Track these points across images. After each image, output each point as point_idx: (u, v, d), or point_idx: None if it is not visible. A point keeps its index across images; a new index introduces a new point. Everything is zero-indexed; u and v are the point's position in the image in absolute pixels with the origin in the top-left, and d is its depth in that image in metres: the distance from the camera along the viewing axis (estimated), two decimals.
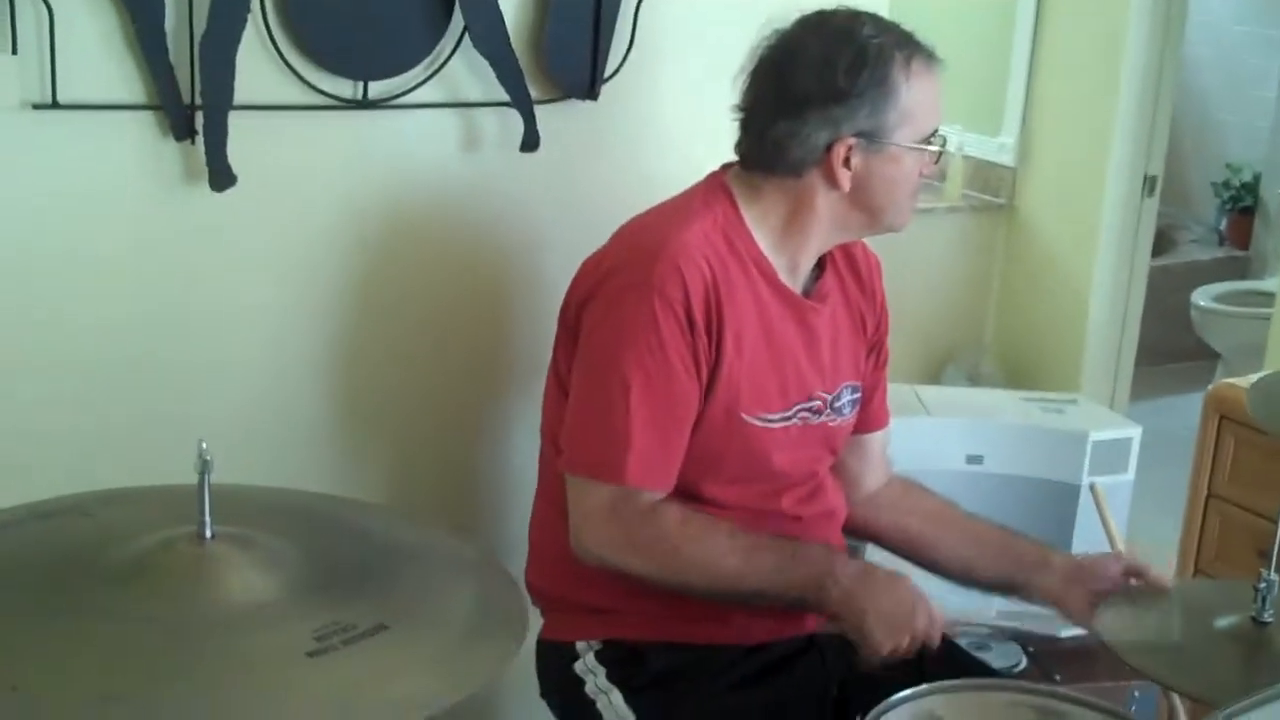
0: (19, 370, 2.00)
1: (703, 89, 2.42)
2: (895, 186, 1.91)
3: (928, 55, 1.89)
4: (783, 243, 1.95)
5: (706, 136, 2.41)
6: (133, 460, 1.82)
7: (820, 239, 1.96)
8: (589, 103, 2.31)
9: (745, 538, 1.89)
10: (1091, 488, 2.17)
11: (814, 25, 1.89)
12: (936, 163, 1.95)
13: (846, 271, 2.06)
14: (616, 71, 2.32)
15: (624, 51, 2.31)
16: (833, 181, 1.89)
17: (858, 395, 2.08)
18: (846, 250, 2.06)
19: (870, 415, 2.15)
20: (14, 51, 1.88)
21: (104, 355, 2.05)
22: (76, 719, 1.11)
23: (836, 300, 2.03)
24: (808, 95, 1.85)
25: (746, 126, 1.93)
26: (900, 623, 1.82)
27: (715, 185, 1.97)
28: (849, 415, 2.07)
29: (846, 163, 1.87)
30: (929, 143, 1.91)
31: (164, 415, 2.06)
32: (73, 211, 2.00)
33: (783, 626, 2.00)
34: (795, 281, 1.98)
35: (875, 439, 2.19)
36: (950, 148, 1.93)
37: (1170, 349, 5.62)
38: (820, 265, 2.02)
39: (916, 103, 1.87)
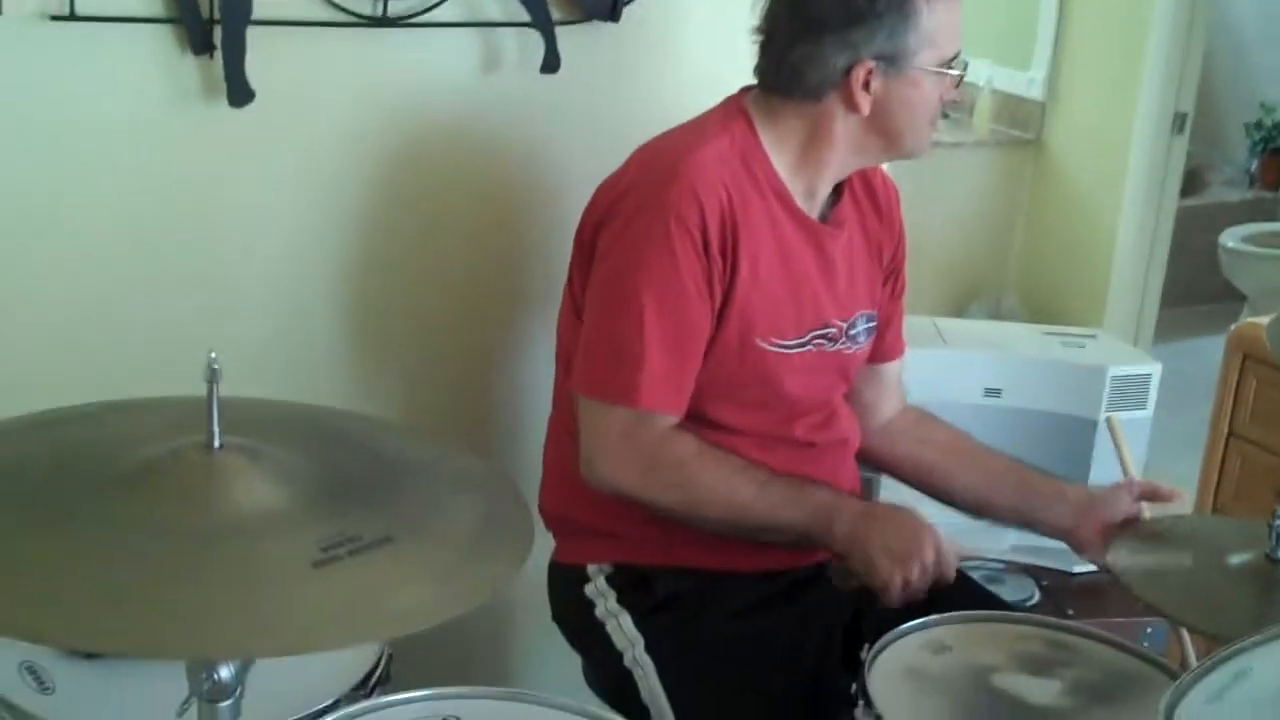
0: (33, 282, 2.01)
1: (726, 11, 2.39)
2: (915, 111, 1.89)
3: None
4: (800, 167, 1.93)
5: (729, 60, 2.38)
6: (146, 372, 1.83)
7: (838, 164, 1.94)
8: (611, 24, 2.29)
9: (758, 471, 1.89)
10: (1108, 420, 2.15)
11: None
12: (957, 87, 1.93)
13: (865, 198, 2.05)
14: None
15: None
16: (851, 105, 1.87)
17: (873, 324, 2.07)
18: (865, 177, 2.04)
19: (886, 345, 2.15)
20: None
21: (118, 269, 2.06)
22: (77, 620, 1.11)
23: (854, 227, 2.02)
24: (826, 17, 1.83)
25: (765, 49, 1.92)
26: (906, 553, 1.83)
27: (733, 108, 1.95)
28: (864, 344, 2.06)
29: (866, 86, 1.85)
30: (950, 67, 1.89)
31: (178, 329, 2.07)
32: (89, 124, 1.99)
33: (791, 555, 2.00)
34: (812, 207, 1.96)
35: (890, 368, 2.19)
36: (979, 81, 1.91)
37: (1197, 290, 5.58)
38: (838, 191, 2.00)
39: (937, 26, 1.85)
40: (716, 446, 1.90)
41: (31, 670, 1.63)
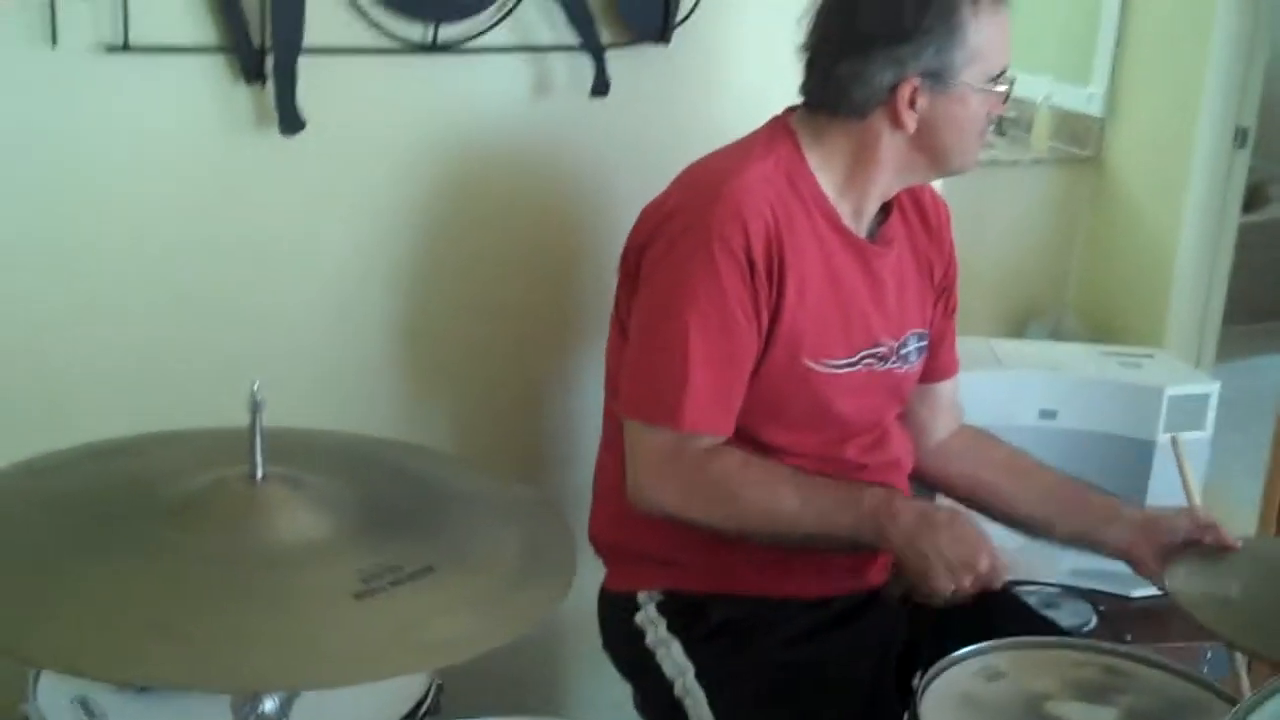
0: (85, 312, 2.03)
1: (776, 34, 2.36)
2: (962, 128, 1.88)
3: None
4: (847, 186, 1.92)
5: (779, 82, 2.37)
6: (193, 403, 1.84)
7: (885, 182, 1.93)
8: (661, 47, 2.28)
9: (805, 479, 1.88)
10: (1172, 440, 2.11)
11: None
12: (1005, 103, 1.91)
13: (914, 216, 2.04)
14: (689, 15, 2.28)
15: None
16: (897, 123, 1.86)
17: (925, 343, 2.06)
18: (914, 195, 2.03)
19: (939, 363, 2.13)
20: None
21: (170, 298, 2.07)
22: (122, 648, 1.12)
23: (903, 245, 2.01)
24: (873, 33, 1.82)
25: (811, 66, 1.91)
26: (962, 561, 1.80)
27: (778, 128, 1.94)
28: (915, 363, 2.04)
29: (912, 104, 1.84)
30: (997, 82, 1.87)
31: (227, 359, 2.08)
32: (143, 153, 2.01)
33: (845, 581, 1.99)
34: (860, 226, 1.95)
35: (944, 387, 2.17)
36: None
37: (1260, 307, 5.49)
38: (886, 210, 1.99)
39: (984, 41, 1.83)
40: (761, 457, 1.88)
41: (84, 704, 1.64)
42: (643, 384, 1.88)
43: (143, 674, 1.14)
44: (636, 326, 1.90)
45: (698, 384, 1.82)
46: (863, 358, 1.95)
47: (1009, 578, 1.87)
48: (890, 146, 1.89)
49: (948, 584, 1.80)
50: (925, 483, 2.19)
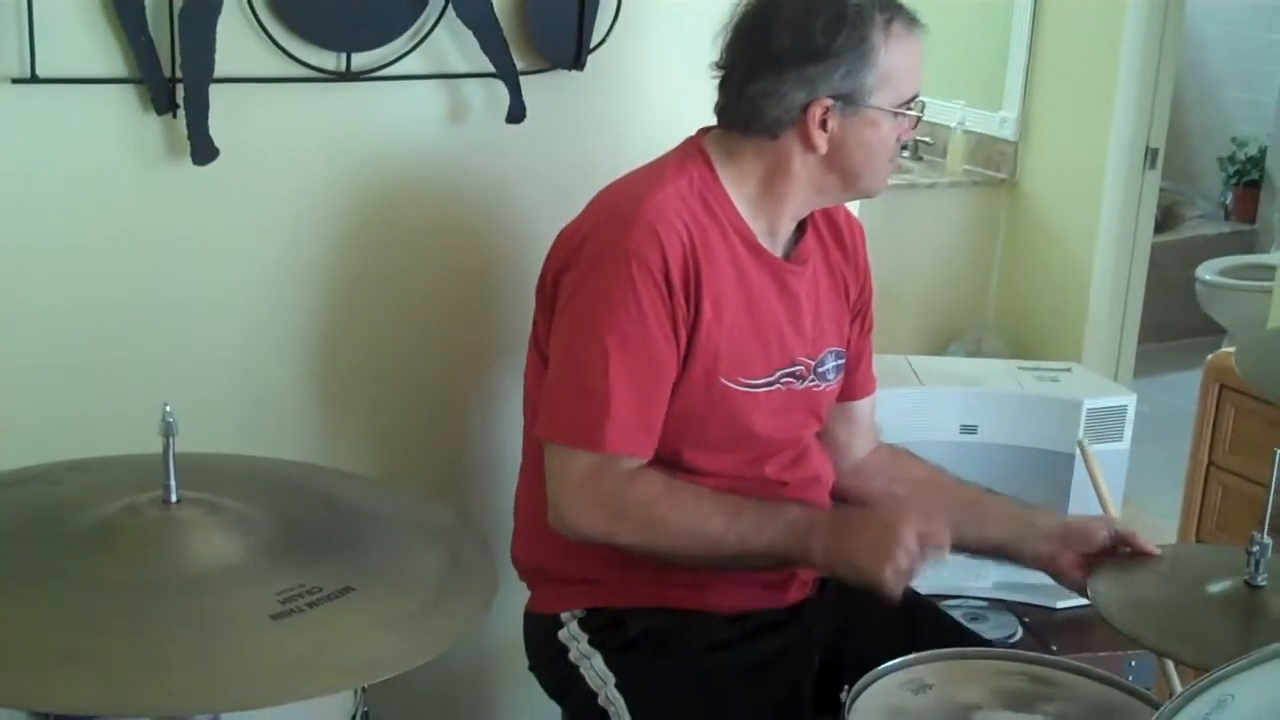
0: None
1: (690, 59, 2.37)
2: (872, 150, 1.89)
3: (909, 18, 1.87)
4: (759, 205, 1.93)
5: (694, 106, 2.38)
6: (106, 430, 1.81)
7: (797, 202, 1.94)
8: (575, 73, 2.29)
9: (728, 500, 1.87)
10: (1080, 446, 2.13)
11: None
12: (914, 128, 1.92)
13: (829, 235, 2.05)
14: (603, 42, 2.29)
15: (610, 21, 2.29)
16: (809, 144, 1.87)
17: (842, 361, 2.06)
18: (829, 214, 2.05)
19: (856, 382, 2.14)
20: None
21: (81, 328, 2.05)
22: (37, 677, 1.10)
23: (818, 264, 2.02)
24: (785, 53, 1.83)
25: (724, 85, 1.92)
26: (887, 545, 1.77)
27: (691, 149, 1.95)
28: (833, 381, 2.05)
29: (823, 124, 1.85)
30: (908, 108, 1.88)
31: (142, 388, 2.04)
32: (53, 186, 1.99)
33: (763, 597, 1.99)
34: (775, 245, 1.96)
35: (862, 406, 2.18)
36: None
37: (1176, 325, 5.59)
38: (801, 228, 2.00)
39: (895, 66, 1.85)
40: (683, 480, 1.88)
41: None
42: (564, 407, 1.87)
43: (55, 702, 1.11)
44: (556, 349, 1.90)
45: (619, 406, 1.82)
46: (780, 376, 1.95)
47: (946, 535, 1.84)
48: (802, 167, 1.90)
49: (886, 570, 1.76)
50: (845, 502, 2.19)
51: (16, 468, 1.47)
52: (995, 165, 4.55)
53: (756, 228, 1.93)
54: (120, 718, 1.11)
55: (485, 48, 2.19)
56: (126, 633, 1.16)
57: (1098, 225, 4.21)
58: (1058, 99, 4.36)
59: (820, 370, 2.01)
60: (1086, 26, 4.18)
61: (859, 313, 2.11)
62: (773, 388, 1.94)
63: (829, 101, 1.84)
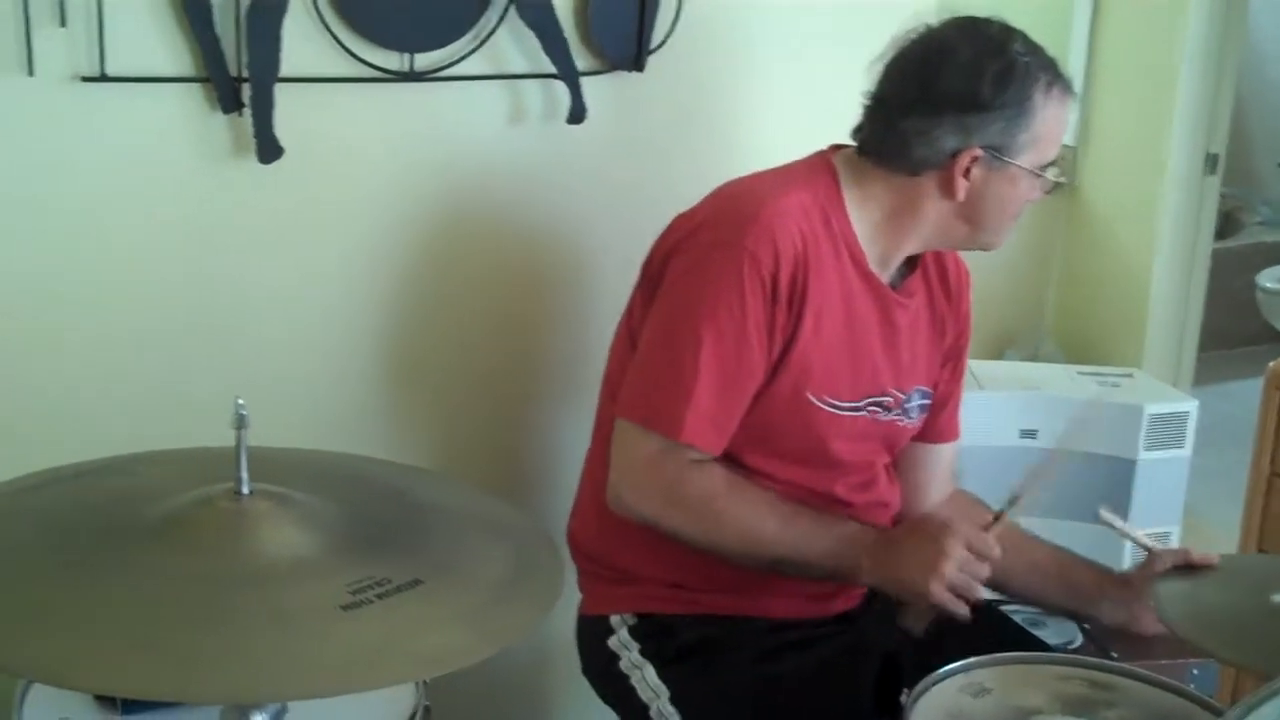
0: (70, 337, 2.03)
1: (750, 62, 2.41)
2: (1004, 207, 1.88)
3: (1067, 86, 1.86)
4: (878, 234, 1.92)
5: (752, 110, 2.41)
6: (179, 424, 1.84)
7: (918, 241, 1.93)
8: (635, 75, 2.30)
9: (785, 505, 1.87)
10: (1098, 514, 2.12)
11: (968, 30, 1.86)
12: (1047, 193, 1.92)
13: (936, 276, 2.04)
14: (663, 44, 2.31)
15: (671, 23, 2.30)
16: (948, 189, 1.86)
17: (928, 401, 2.06)
18: (939, 256, 2.03)
19: (941, 426, 2.13)
20: (63, 24, 1.90)
21: (152, 323, 2.08)
22: (106, 665, 1.12)
23: (921, 301, 2.01)
24: (949, 97, 1.82)
25: (874, 115, 1.90)
26: (933, 559, 1.77)
27: (820, 163, 1.94)
28: (915, 419, 2.04)
29: (967, 173, 1.84)
30: (1046, 170, 1.88)
31: (212, 382, 2.08)
32: (121, 183, 2.02)
33: (808, 605, 1.99)
34: (884, 274, 1.95)
35: (945, 451, 2.16)
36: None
37: (1236, 333, 5.53)
38: (910, 263, 1.99)
39: (1047, 129, 1.84)
40: (745, 479, 1.88)
41: None
42: (646, 388, 1.86)
43: (128, 687, 1.14)
44: (650, 331, 1.89)
45: (702, 398, 1.81)
46: (868, 404, 1.95)
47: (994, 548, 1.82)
48: (934, 210, 1.89)
49: (932, 585, 1.76)
50: None
51: (92, 460, 1.49)
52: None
53: (870, 253, 1.92)
54: (188, 701, 1.12)
55: (546, 49, 2.21)
56: (198, 622, 1.17)
57: (1157, 231, 4.17)
58: (1117, 104, 4.32)
59: (907, 405, 2.01)
60: (1146, 31, 4.14)
61: (953, 357, 2.10)
62: (859, 414, 1.94)
63: (979, 152, 1.83)
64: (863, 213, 1.91)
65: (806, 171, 1.93)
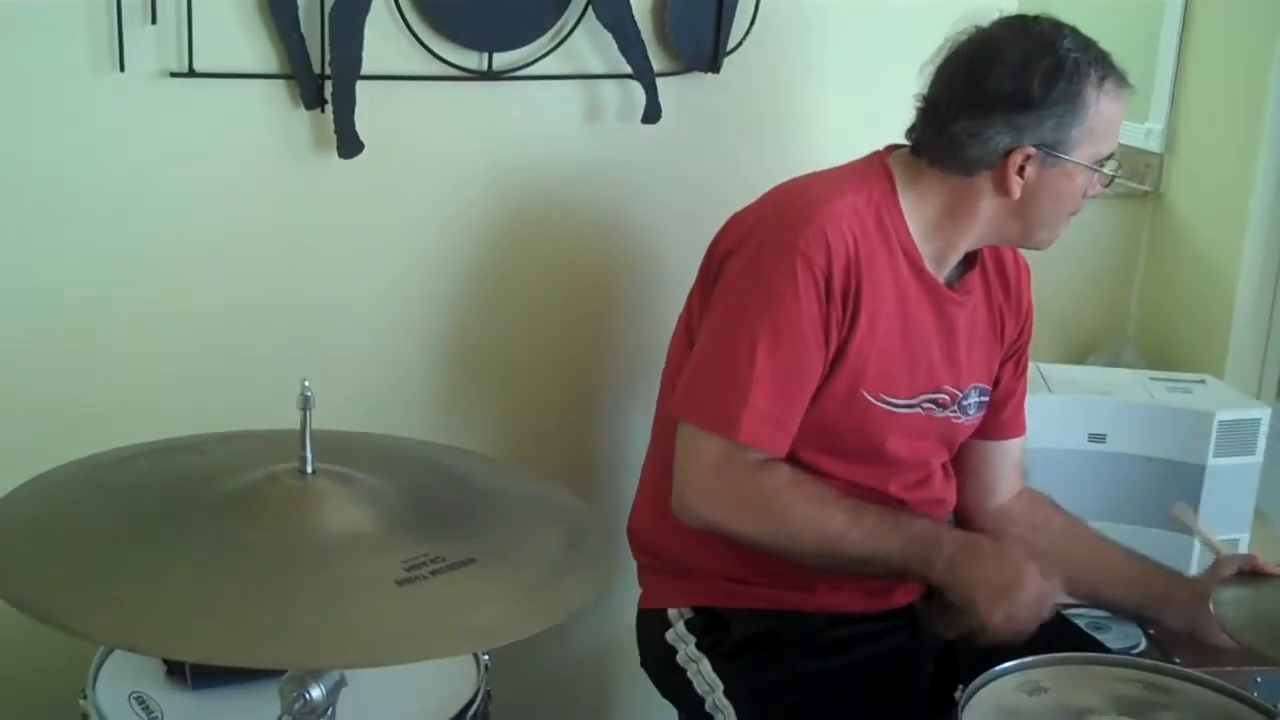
0: (152, 321, 2.10)
1: (826, 66, 2.42)
2: (1060, 203, 1.89)
3: (1120, 78, 1.86)
4: (934, 233, 1.93)
5: (829, 113, 2.43)
6: (253, 406, 1.89)
7: (973, 239, 1.94)
8: (711, 76, 2.32)
9: (853, 502, 1.88)
10: (1173, 515, 2.12)
11: (1016, 29, 1.87)
12: (1106, 186, 1.92)
13: (994, 273, 2.04)
14: (739, 45, 2.33)
15: (747, 25, 2.32)
16: (1003, 188, 1.87)
17: (986, 398, 2.06)
18: (997, 252, 2.04)
19: (1006, 422, 2.13)
20: (153, 21, 1.96)
21: (231, 311, 2.14)
22: (171, 631, 1.16)
23: (979, 299, 2.02)
24: (998, 97, 1.83)
25: (926, 116, 1.91)
26: (1006, 589, 1.79)
27: (876, 163, 1.96)
28: (973, 416, 2.05)
29: (1021, 171, 1.85)
30: (1103, 164, 1.88)
31: (284, 368, 2.11)
32: (206, 176, 2.08)
33: (866, 599, 2.00)
34: (940, 272, 1.96)
35: (1012, 446, 2.16)
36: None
37: None
38: (969, 261, 2.00)
39: (1102, 123, 1.84)
40: (810, 476, 1.89)
41: (141, 700, 1.69)
42: (704, 388, 1.88)
43: (193, 651, 1.18)
44: (707, 332, 1.91)
45: (758, 397, 1.83)
46: (923, 400, 1.96)
47: (1055, 606, 1.86)
48: (988, 208, 1.90)
49: (994, 610, 1.79)
50: None
51: (165, 439, 1.55)
52: (1140, 177, 4.47)
53: (925, 252, 1.93)
54: (249, 664, 1.17)
55: (623, 49, 2.24)
56: (261, 591, 1.22)
57: (1244, 240, 4.12)
58: (1206, 111, 4.28)
59: (964, 404, 2.01)
60: (1237, 37, 4.10)
61: (1015, 353, 2.10)
62: (913, 410, 1.95)
63: (1032, 150, 1.83)
64: (918, 212, 1.92)
65: (862, 172, 1.94)
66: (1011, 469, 2.18)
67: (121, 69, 1.96)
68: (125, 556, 1.26)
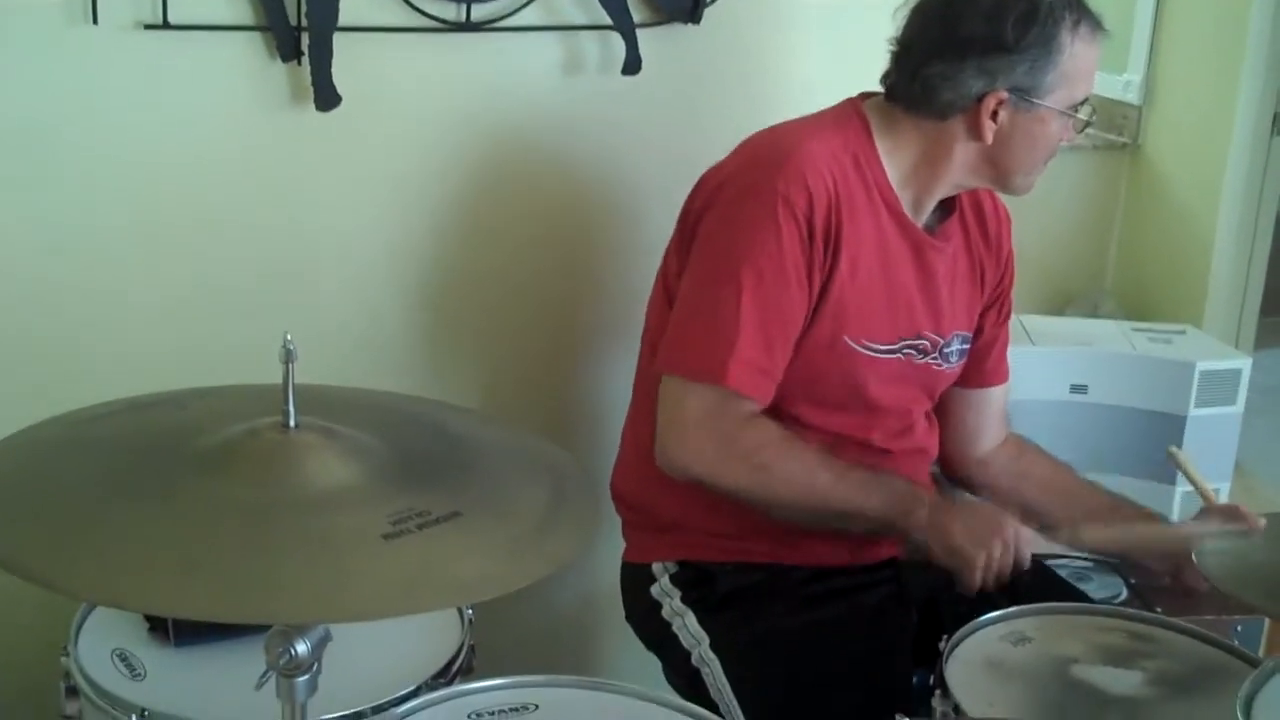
0: (129, 277, 2.08)
1: (806, 14, 2.41)
2: (1035, 148, 1.88)
3: (1095, 22, 1.86)
4: (910, 179, 1.93)
5: (810, 62, 2.42)
6: (231, 360, 1.88)
7: (949, 183, 1.94)
8: (691, 27, 2.31)
9: (837, 461, 1.89)
10: (1171, 453, 2.12)
11: None
12: (1080, 132, 1.91)
13: (973, 220, 2.04)
14: None
15: None
16: (976, 132, 1.86)
17: (967, 346, 2.07)
18: (976, 199, 2.04)
19: (989, 369, 2.14)
20: None
21: (208, 265, 2.13)
22: (156, 586, 1.16)
23: (958, 246, 2.02)
24: (972, 41, 1.82)
25: (900, 61, 1.91)
26: (987, 533, 1.81)
27: (849, 110, 1.95)
28: (955, 364, 2.05)
29: (994, 116, 1.84)
30: (1078, 110, 1.88)
31: (263, 323, 2.11)
32: (181, 128, 2.06)
33: (852, 553, 2.00)
34: (918, 218, 1.96)
35: (996, 394, 2.17)
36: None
37: None
38: (948, 208, 2.00)
39: (1076, 68, 1.84)
40: (796, 435, 1.89)
41: (123, 657, 1.69)
42: (689, 340, 1.87)
43: (178, 607, 1.18)
44: (688, 283, 1.90)
45: (746, 345, 1.82)
46: (903, 346, 1.96)
47: (1032, 552, 1.87)
48: (962, 153, 1.90)
49: (977, 554, 1.81)
50: (969, 490, 2.20)
51: (145, 393, 1.53)
52: (1118, 129, 4.47)
53: (903, 198, 1.93)
54: (234, 619, 1.16)
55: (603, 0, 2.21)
56: (245, 546, 1.21)
57: (1221, 192, 4.13)
58: (1183, 64, 4.27)
59: (945, 351, 2.01)
60: None
61: (996, 300, 2.10)
62: (893, 355, 1.95)
63: (1005, 94, 1.83)
64: (894, 158, 1.91)
65: (836, 119, 1.94)
66: (995, 417, 2.18)
67: (95, 21, 1.93)
68: (106, 512, 1.25)
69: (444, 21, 2.15)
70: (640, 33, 2.26)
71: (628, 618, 2.12)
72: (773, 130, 1.96)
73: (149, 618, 1.71)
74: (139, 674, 1.66)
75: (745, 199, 1.85)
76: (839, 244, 1.85)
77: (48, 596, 1.17)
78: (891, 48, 1.92)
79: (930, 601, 1.99)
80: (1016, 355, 2.46)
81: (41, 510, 1.27)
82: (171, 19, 1.97)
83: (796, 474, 1.87)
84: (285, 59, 2.06)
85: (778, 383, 1.88)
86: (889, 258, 1.92)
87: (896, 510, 1.87)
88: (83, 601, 1.67)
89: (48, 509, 1.27)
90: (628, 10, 2.24)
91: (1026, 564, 1.85)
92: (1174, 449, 2.16)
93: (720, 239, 1.87)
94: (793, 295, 1.84)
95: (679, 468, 1.88)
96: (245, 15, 2.03)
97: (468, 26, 2.16)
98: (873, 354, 1.93)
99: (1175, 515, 2.45)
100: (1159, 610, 2.42)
